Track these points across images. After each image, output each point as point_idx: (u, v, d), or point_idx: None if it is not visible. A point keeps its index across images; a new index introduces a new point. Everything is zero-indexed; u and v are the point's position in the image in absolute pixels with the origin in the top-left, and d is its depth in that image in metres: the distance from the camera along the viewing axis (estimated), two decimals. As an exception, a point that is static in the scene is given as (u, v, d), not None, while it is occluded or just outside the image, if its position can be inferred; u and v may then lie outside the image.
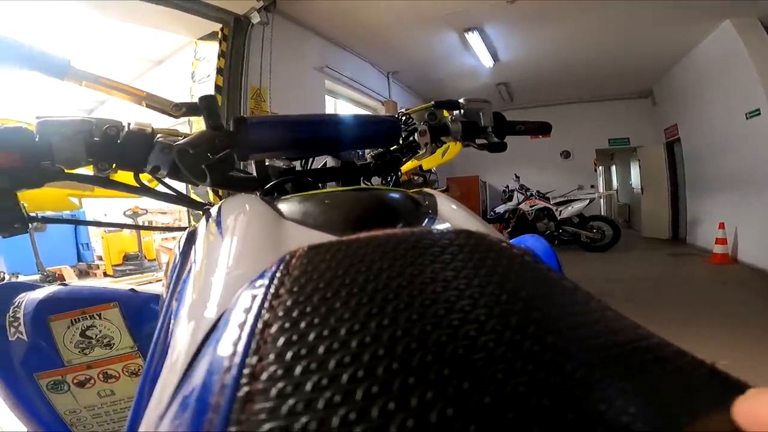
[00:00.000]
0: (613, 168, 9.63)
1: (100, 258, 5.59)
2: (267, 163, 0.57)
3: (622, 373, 0.13)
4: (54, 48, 0.50)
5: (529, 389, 0.12)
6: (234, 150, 0.49)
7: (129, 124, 0.50)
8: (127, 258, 5.32)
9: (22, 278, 5.01)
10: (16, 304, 0.54)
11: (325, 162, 0.64)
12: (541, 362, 0.13)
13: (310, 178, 0.55)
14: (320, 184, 0.57)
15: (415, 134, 0.69)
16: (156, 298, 0.58)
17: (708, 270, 4.47)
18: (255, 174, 0.58)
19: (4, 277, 5.08)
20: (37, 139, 0.45)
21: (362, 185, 0.62)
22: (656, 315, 2.84)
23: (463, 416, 0.11)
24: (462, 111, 0.73)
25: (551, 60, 5.64)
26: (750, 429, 0.11)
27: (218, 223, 0.35)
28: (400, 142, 0.69)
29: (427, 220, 0.37)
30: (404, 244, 0.18)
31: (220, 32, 3.67)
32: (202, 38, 3.89)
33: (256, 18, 3.64)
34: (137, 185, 0.55)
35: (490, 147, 0.73)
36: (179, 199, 0.61)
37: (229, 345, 0.14)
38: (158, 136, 0.51)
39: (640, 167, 7.52)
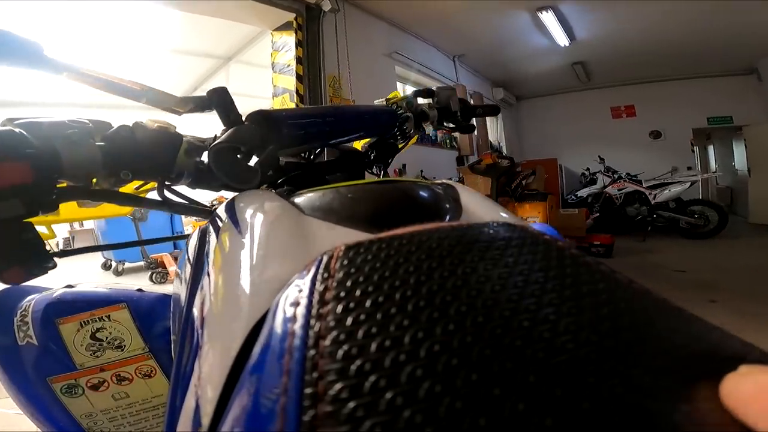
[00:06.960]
0: (710, 148, 8.59)
1: (191, 247, 6.09)
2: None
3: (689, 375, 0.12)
4: (24, 33, 0.37)
5: (620, 387, 0.11)
6: (271, 146, 0.45)
7: (142, 123, 0.42)
8: (213, 247, 5.73)
9: (127, 265, 5.65)
10: (24, 307, 0.52)
11: (322, 153, 0.63)
12: (619, 358, 0.12)
13: (319, 171, 0.56)
14: (327, 176, 0.58)
15: (406, 122, 0.72)
16: (164, 298, 0.56)
17: None
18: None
19: (110, 264, 5.74)
20: (39, 147, 0.33)
21: (376, 177, 0.65)
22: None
23: (541, 410, 0.10)
24: (436, 99, 0.78)
25: (637, 37, 5.27)
26: (734, 408, 0.11)
27: (234, 222, 0.32)
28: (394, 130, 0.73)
29: (453, 213, 0.35)
30: (448, 240, 0.17)
31: (294, 21, 3.80)
32: (277, 29, 4.03)
33: (327, 5, 3.74)
34: (159, 198, 0.47)
35: (460, 129, 0.80)
36: (191, 209, 0.53)
37: (278, 364, 0.13)
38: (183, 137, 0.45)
39: (746, 147, 6.71)
